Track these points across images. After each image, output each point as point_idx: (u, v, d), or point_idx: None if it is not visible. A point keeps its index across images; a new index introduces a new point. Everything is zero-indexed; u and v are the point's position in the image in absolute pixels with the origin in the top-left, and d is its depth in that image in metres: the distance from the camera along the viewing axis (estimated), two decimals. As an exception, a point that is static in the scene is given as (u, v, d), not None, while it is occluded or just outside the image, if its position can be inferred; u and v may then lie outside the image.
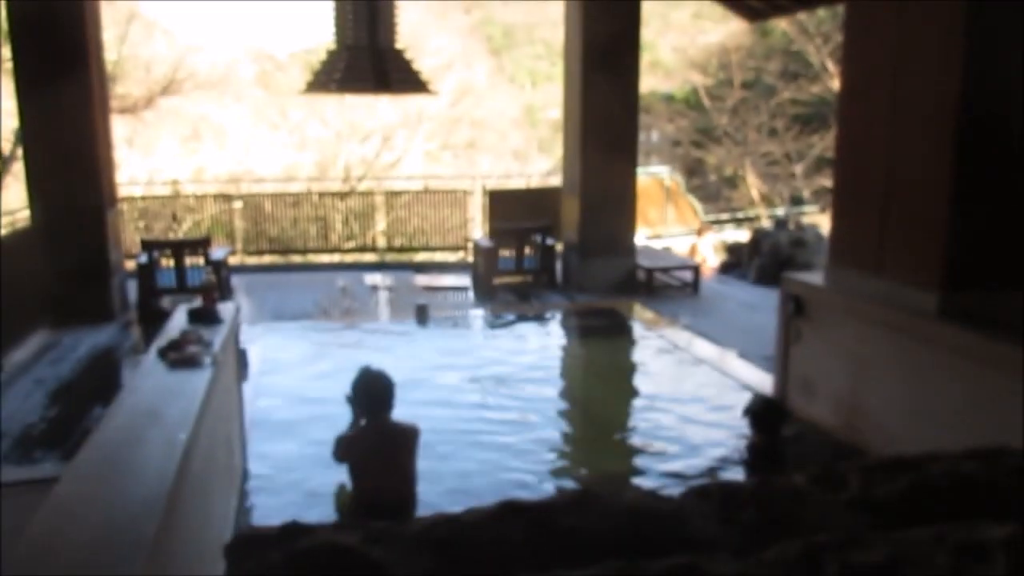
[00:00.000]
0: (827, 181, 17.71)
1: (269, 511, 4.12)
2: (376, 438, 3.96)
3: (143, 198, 11.13)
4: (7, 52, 11.39)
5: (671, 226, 14.88)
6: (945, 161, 4.10)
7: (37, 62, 7.48)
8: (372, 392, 3.96)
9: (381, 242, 11.79)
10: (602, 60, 8.96)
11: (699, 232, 13.54)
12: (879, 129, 4.58)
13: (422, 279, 10.29)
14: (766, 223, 14.95)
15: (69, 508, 2.09)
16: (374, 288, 9.82)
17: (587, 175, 9.21)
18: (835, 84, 16.63)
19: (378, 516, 1.29)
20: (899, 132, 4.45)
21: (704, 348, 7.06)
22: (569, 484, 4.61)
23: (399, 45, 7.43)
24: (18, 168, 13.40)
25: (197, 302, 4.44)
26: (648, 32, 24.01)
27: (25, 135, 8.00)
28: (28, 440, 5.09)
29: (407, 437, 4.03)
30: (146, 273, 8.50)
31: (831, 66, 17.89)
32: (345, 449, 4.02)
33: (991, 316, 3.93)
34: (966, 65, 3.97)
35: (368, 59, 7.09)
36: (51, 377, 6.31)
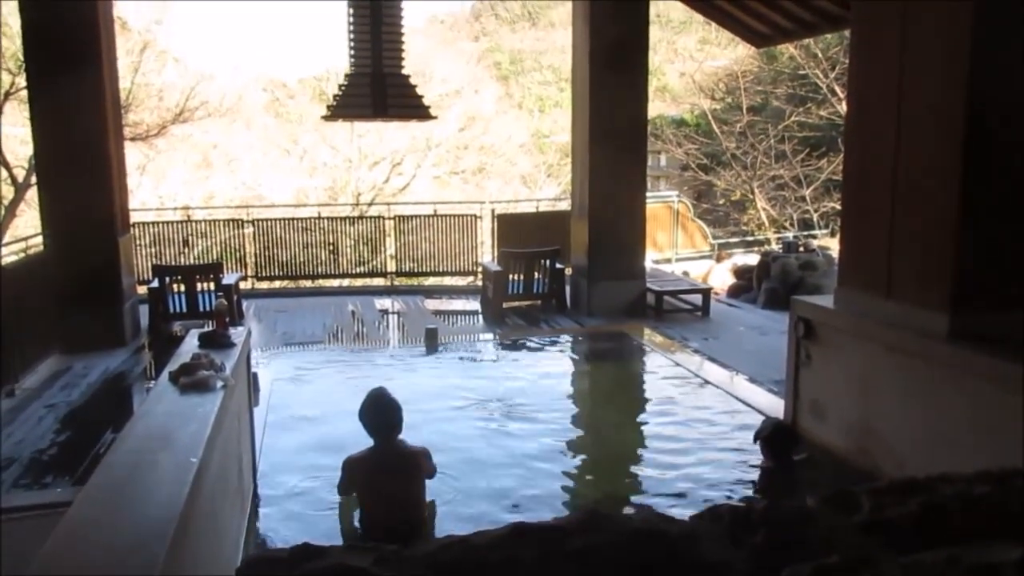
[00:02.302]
0: (836, 204, 17.71)
1: (280, 533, 4.12)
2: (384, 461, 3.96)
3: (154, 224, 11.21)
4: (22, 80, 11.57)
5: (681, 250, 14.92)
6: (953, 182, 4.10)
7: (51, 90, 7.59)
8: (380, 414, 3.96)
9: (391, 267, 11.84)
10: (610, 69, 9.01)
11: (718, 258, 13.74)
12: (886, 151, 4.60)
13: (432, 303, 10.32)
14: (775, 246, 14.94)
15: (80, 532, 2.10)
16: (384, 313, 9.85)
17: (596, 199, 9.24)
18: (842, 108, 16.68)
19: (386, 539, 1.29)
20: (906, 154, 4.47)
21: (714, 372, 7.04)
22: (579, 506, 4.59)
23: (404, 71, 7.53)
24: (32, 195, 13.55)
25: (208, 327, 4.47)
26: (656, 58, 24.27)
27: (38, 163, 8.11)
28: (39, 465, 5.11)
29: (416, 460, 4.03)
30: (157, 298, 8.56)
31: (839, 90, 17.95)
32: (350, 472, 4.02)
33: (1002, 337, 3.91)
34: (972, 85, 3.99)
35: (368, 85, 7.20)
36: (62, 402, 6.34)
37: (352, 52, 7.48)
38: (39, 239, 7.91)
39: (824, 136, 19.45)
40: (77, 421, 5.95)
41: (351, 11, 7.43)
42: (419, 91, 7.87)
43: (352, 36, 7.46)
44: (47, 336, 7.38)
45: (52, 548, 2.00)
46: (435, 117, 8.27)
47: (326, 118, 8.03)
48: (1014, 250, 4.13)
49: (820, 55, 18.57)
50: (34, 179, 10.33)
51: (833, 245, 12.88)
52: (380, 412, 3.96)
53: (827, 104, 18.98)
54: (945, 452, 4.03)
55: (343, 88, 7.66)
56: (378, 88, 7.27)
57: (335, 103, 7.68)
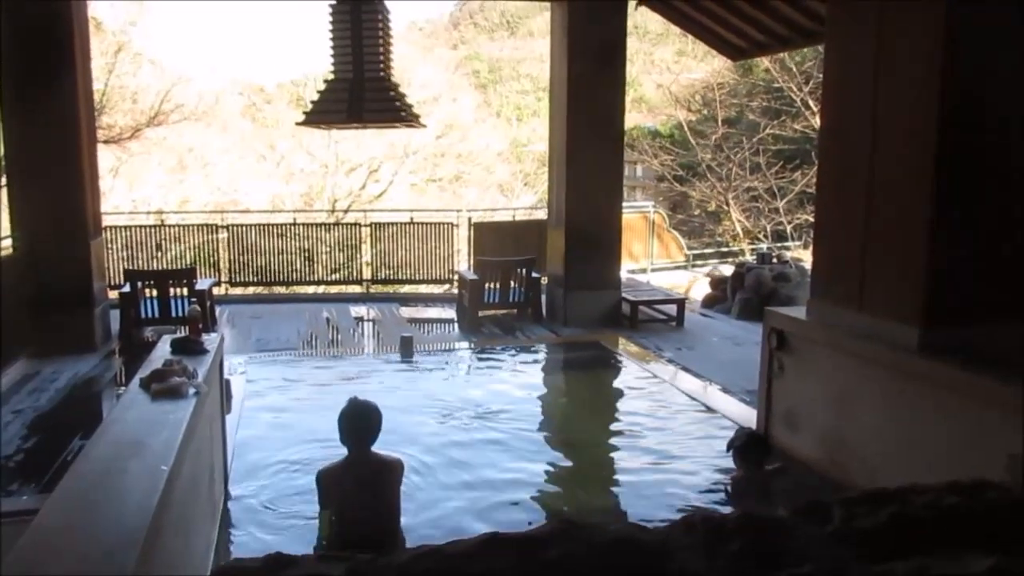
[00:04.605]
0: (809, 216, 17.90)
1: (251, 542, 4.08)
2: (359, 471, 3.93)
3: (127, 228, 11.09)
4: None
5: (656, 260, 15.02)
6: (924, 196, 4.16)
7: (24, 90, 7.49)
8: (357, 424, 3.93)
9: (366, 274, 11.79)
10: (588, 79, 9.05)
11: (710, 277, 14.04)
12: (859, 165, 4.65)
13: (407, 311, 10.29)
14: (750, 257, 15.08)
15: (48, 540, 2.07)
16: (359, 320, 9.80)
17: (572, 209, 9.27)
18: (816, 121, 16.87)
19: (361, 549, 1.28)
20: (878, 168, 4.52)
21: (688, 382, 7.07)
22: (554, 516, 4.58)
23: (384, 76, 7.45)
24: (1, 196, 13.34)
25: (181, 332, 4.42)
26: (633, 69, 24.42)
27: (9, 164, 7.99)
28: (5, 472, 5.02)
29: (391, 470, 4.00)
30: (129, 303, 8.46)
31: (813, 104, 18.16)
32: (326, 484, 3.98)
33: (971, 350, 3.97)
34: (945, 101, 4.05)
35: (346, 91, 7.14)
36: (30, 408, 6.24)
37: (332, 57, 7.43)
38: (8, 241, 7.79)
39: (798, 149, 19.66)
40: (45, 427, 5.86)
41: (331, 15, 7.39)
42: (404, 96, 7.80)
43: (332, 41, 7.42)
44: (15, 340, 7.26)
45: (17, 556, 1.96)
46: (414, 123, 8.16)
47: (301, 123, 7.98)
48: (985, 265, 4.20)
49: (795, 69, 18.78)
50: (4, 180, 10.20)
51: (806, 257, 13.02)
52: (361, 421, 3.92)
53: (801, 117, 19.20)
54: (916, 463, 4.07)
55: (320, 93, 7.62)
56: (356, 93, 7.23)
57: (311, 108, 7.63)
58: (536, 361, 8.18)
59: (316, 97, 7.75)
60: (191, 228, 11.83)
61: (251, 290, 11.51)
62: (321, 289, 12.07)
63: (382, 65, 7.36)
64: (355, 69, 7.15)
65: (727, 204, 20.59)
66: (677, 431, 5.91)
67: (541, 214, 12.22)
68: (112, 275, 9.82)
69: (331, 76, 7.48)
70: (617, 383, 7.40)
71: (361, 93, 7.14)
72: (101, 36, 17.61)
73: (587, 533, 1.22)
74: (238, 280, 11.25)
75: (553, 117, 9.72)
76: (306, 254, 11.49)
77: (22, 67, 7.46)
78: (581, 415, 6.71)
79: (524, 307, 9.66)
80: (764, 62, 19.00)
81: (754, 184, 20.11)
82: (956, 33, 4.03)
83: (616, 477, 5.25)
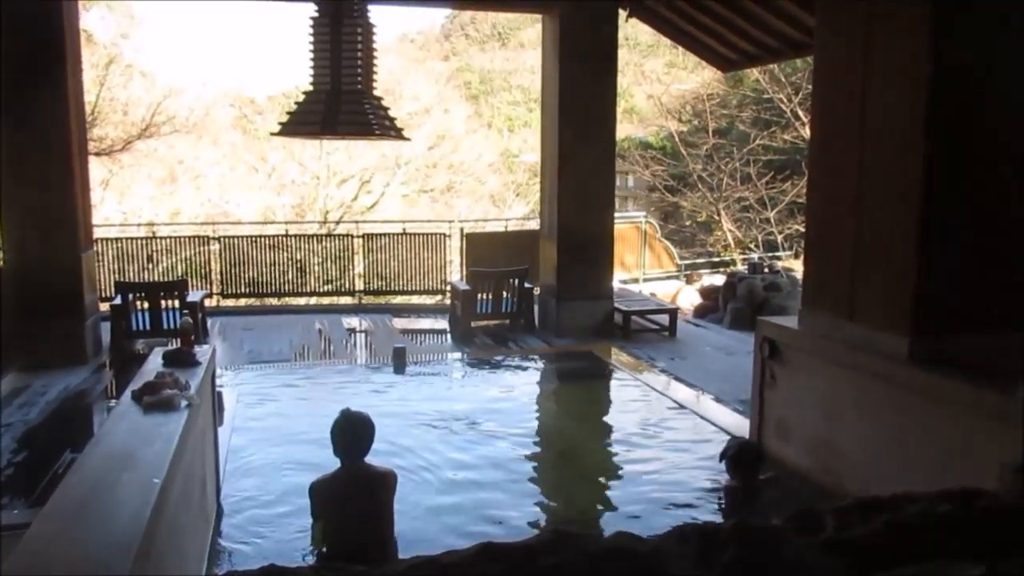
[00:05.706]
0: (800, 226, 17.97)
1: (244, 554, 4.06)
2: (352, 482, 3.92)
3: (118, 240, 11.05)
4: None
5: (648, 270, 15.04)
6: (913, 207, 4.19)
7: (14, 101, 7.46)
8: (350, 435, 3.92)
9: (359, 285, 11.77)
10: (580, 89, 9.10)
11: (689, 280, 13.96)
12: (849, 176, 4.68)
13: (400, 322, 10.28)
14: (741, 267, 15.12)
15: (41, 553, 2.06)
16: (351, 331, 9.79)
17: (564, 219, 9.29)
18: (806, 132, 16.96)
19: (355, 560, 1.28)
20: (868, 179, 4.55)
21: (681, 392, 7.08)
22: (547, 525, 4.58)
23: (362, 88, 7.43)
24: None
25: (173, 344, 4.41)
26: (624, 80, 24.52)
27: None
28: (-5, 486, 4.99)
29: (384, 481, 3.99)
30: (120, 315, 8.42)
31: (802, 114, 18.26)
32: (319, 495, 3.97)
33: (961, 360, 3.99)
34: (932, 111, 4.09)
35: (323, 103, 7.12)
36: (19, 421, 6.20)
37: (311, 68, 7.42)
38: (-1, 254, 7.77)
39: (788, 159, 19.75)
40: (35, 441, 5.82)
41: (311, 26, 7.39)
42: (386, 110, 7.78)
43: (311, 52, 7.42)
44: (5, 353, 7.22)
45: (10, 570, 1.95)
46: (392, 136, 8.01)
47: (276, 134, 7.95)
48: (974, 274, 4.22)
49: (784, 80, 18.89)
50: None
51: (797, 267, 13.08)
52: (354, 432, 3.91)
53: (791, 128, 19.30)
54: (907, 472, 4.09)
55: (298, 104, 7.61)
56: (332, 105, 7.22)
57: (287, 119, 7.61)
58: (529, 372, 8.18)
59: (293, 108, 7.74)
60: (182, 240, 11.80)
61: (243, 302, 11.47)
62: (313, 300, 12.04)
63: (360, 77, 7.33)
64: (332, 81, 7.13)
65: (718, 214, 20.66)
66: (670, 441, 5.92)
67: (533, 224, 12.24)
68: (103, 287, 9.78)
69: (309, 87, 7.47)
70: (610, 393, 7.40)
71: (337, 105, 7.12)
72: (92, 48, 17.59)
73: (581, 543, 1.22)
74: (230, 292, 11.22)
75: (545, 127, 9.76)
76: (298, 265, 11.47)
77: (13, 78, 7.43)
78: (574, 425, 6.70)
79: (517, 317, 9.66)
80: (754, 73, 19.12)
81: (745, 194, 20.19)
82: (943, 44, 4.07)
83: (609, 487, 5.24)
